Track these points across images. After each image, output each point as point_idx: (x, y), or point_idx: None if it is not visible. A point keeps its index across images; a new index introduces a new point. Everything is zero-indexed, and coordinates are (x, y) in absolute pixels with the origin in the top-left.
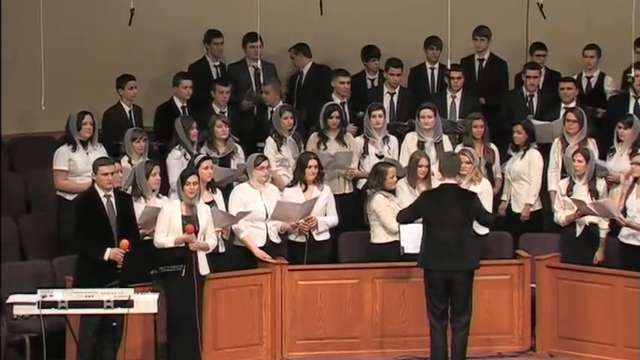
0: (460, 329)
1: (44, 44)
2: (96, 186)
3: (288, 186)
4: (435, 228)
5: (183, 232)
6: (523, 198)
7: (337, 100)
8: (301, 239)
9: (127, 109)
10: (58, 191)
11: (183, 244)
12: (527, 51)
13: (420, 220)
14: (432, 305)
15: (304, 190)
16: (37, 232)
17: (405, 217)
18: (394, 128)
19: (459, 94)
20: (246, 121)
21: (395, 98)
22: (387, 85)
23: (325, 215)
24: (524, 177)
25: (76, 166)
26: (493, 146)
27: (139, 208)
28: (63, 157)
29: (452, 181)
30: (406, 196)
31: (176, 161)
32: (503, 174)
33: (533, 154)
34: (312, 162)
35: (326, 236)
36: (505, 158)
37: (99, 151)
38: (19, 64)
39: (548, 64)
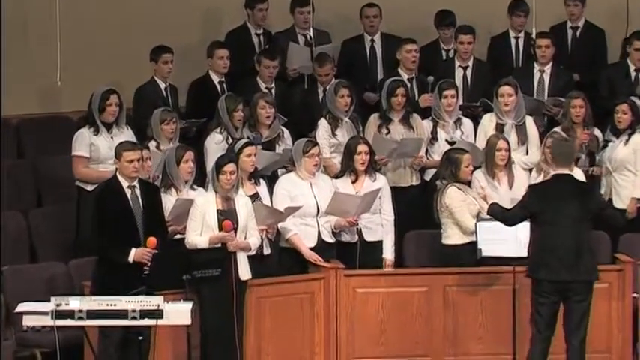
0: (577, 353)
1: (60, 6)
2: (118, 175)
3: (336, 177)
4: (547, 228)
5: (219, 229)
6: (627, 191)
7: (404, 75)
8: (350, 237)
9: (162, 85)
10: (77, 181)
11: (220, 244)
12: (627, 18)
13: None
14: (537, 315)
15: (354, 182)
16: (51, 230)
17: (514, 217)
18: (465, 110)
19: (548, 68)
20: (294, 95)
21: (468, 72)
22: (458, 57)
23: (379, 212)
24: (629, 166)
25: (99, 151)
26: (597, 131)
27: (170, 200)
28: (83, 142)
29: (566, 171)
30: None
31: (216, 146)
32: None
33: None
34: (362, 147)
35: (379, 236)
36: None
37: (125, 135)
38: (30, 30)
39: None
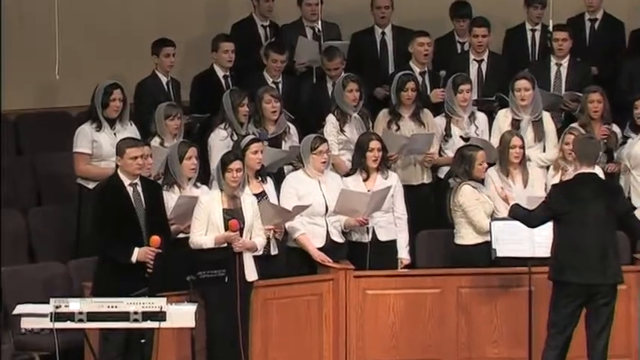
0: (599, 358)
1: None
2: (119, 172)
3: (346, 174)
4: (572, 229)
5: (225, 229)
6: None
7: (416, 69)
8: (360, 237)
9: (163, 80)
10: (78, 179)
11: (226, 244)
12: None
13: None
14: (557, 318)
15: (366, 179)
16: (50, 229)
17: (538, 219)
18: (481, 105)
19: (565, 62)
20: (302, 91)
21: (483, 66)
22: (473, 51)
23: (392, 210)
24: None
25: (101, 148)
26: (615, 127)
27: (173, 198)
28: (85, 138)
29: (591, 170)
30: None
31: (221, 143)
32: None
33: None
34: (375, 144)
35: (393, 235)
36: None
37: (129, 131)
38: (29, 24)
39: None
